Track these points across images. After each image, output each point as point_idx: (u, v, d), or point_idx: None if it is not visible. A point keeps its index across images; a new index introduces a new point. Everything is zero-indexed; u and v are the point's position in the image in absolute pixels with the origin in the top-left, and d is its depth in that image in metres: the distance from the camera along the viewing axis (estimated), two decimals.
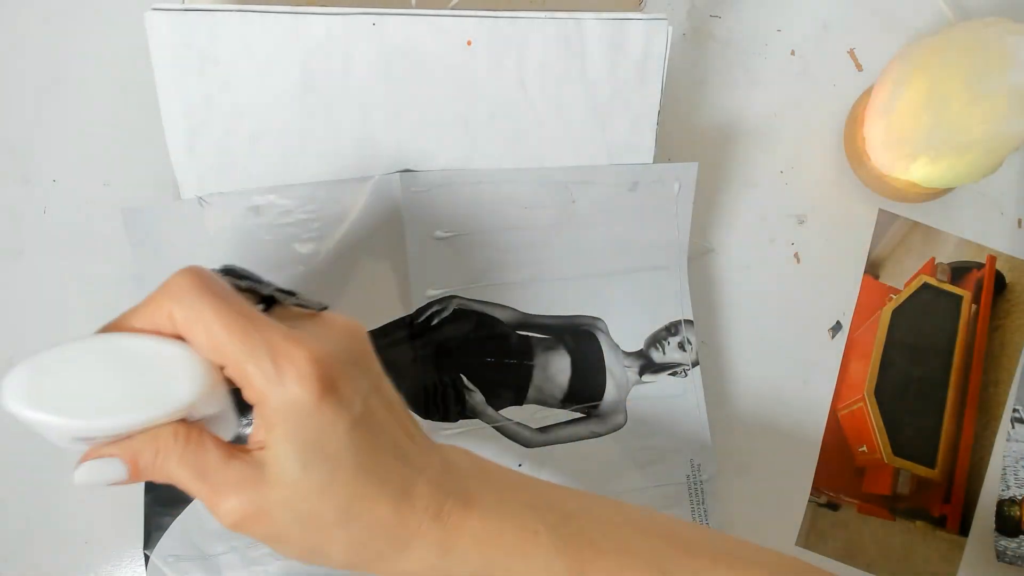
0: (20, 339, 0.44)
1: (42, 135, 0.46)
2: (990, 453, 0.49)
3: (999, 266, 0.51)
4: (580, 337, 0.45)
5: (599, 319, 0.45)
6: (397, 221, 0.41)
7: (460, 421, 0.42)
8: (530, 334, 0.44)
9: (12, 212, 0.45)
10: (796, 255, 0.49)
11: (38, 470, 0.44)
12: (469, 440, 0.43)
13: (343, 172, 0.41)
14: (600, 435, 0.44)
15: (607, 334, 0.45)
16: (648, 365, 0.45)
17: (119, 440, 0.26)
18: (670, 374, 0.45)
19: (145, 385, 0.26)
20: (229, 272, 0.29)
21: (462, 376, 0.43)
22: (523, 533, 0.29)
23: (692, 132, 0.49)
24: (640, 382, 0.45)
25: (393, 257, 0.42)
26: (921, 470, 0.48)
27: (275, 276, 0.42)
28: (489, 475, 0.31)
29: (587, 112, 0.42)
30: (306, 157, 0.41)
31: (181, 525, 0.41)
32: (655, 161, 0.44)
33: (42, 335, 0.45)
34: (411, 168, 0.42)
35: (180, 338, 0.27)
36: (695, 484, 0.45)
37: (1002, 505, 0.48)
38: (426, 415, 0.42)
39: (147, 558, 0.40)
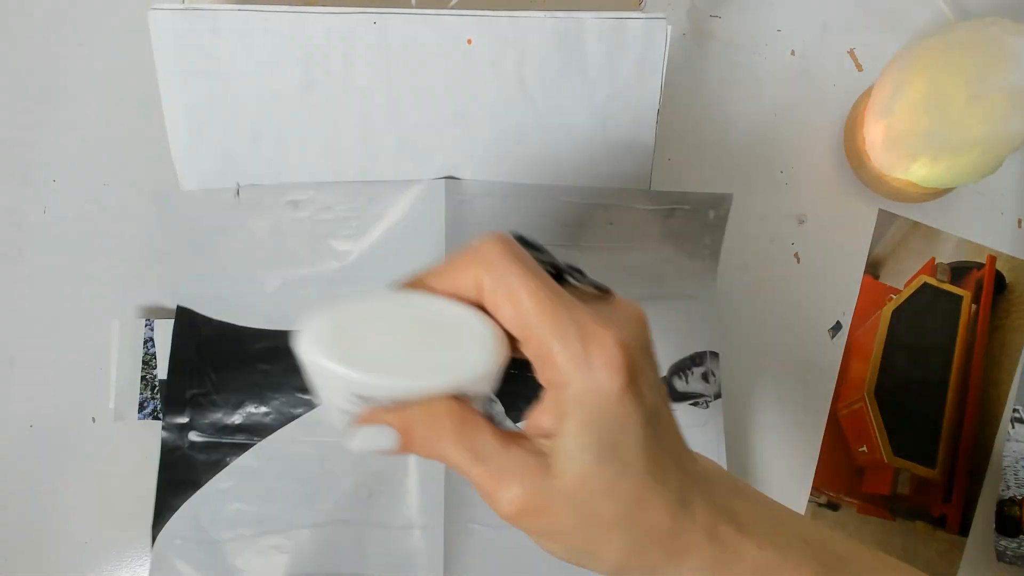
0: (20, 339, 0.44)
1: (42, 135, 0.46)
2: (990, 453, 0.49)
3: (999, 266, 0.51)
4: None
5: None
6: (438, 227, 0.41)
7: None
8: None
9: (12, 212, 0.45)
10: (796, 255, 0.49)
11: (38, 470, 0.44)
12: None
13: (343, 171, 0.42)
14: None
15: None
16: (670, 393, 0.45)
17: (394, 408, 0.26)
18: (691, 404, 0.45)
19: (439, 350, 0.25)
20: (523, 241, 0.27)
21: None
22: (799, 571, 0.26)
23: (692, 132, 0.49)
24: None
25: (429, 262, 0.42)
26: (921, 470, 0.48)
27: (308, 270, 0.42)
28: (748, 496, 0.29)
29: (587, 111, 0.42)
30: (307, 156, 0.41)
31: (191, 508, 0.41)
32: (654, 161, 0.44)
33: (42, 335, 0.45)
34: (455, 175, 0.42)
35: (479, 306, 0.25)
36: None
37: (1002, 505, 0.48)
38: None
39: (154, 538, 0.41)
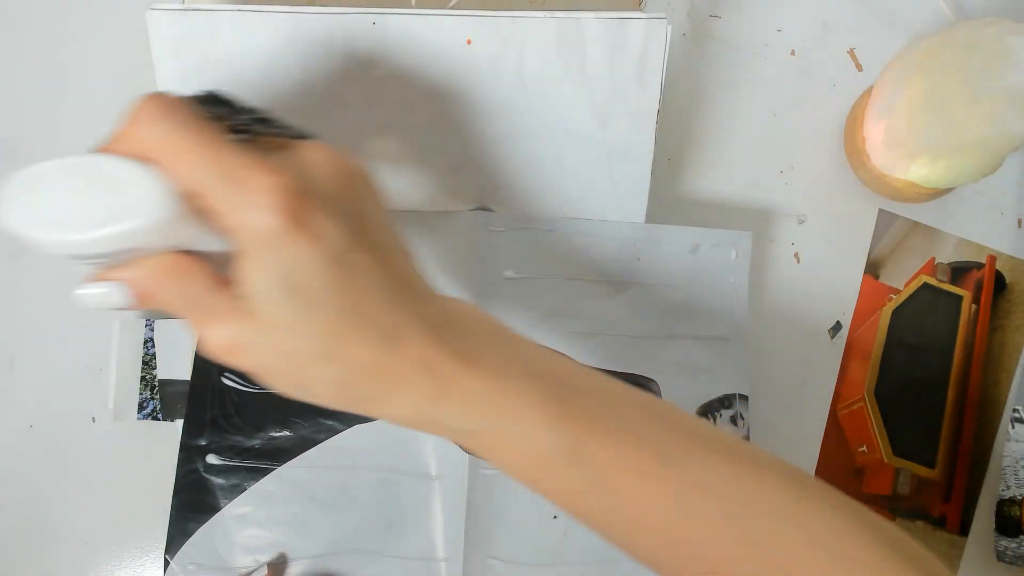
0: (20, 339, 0.44)
1: (42, 135, 0.46)
2: (990, 453, 0.49)
3: (999, 266, 0.51)
4: None
5: (653, 380, 0.45)
6: (473, 258, 0.42)
7: None
8: None
9: None
10: (796, 255, 0.49)
11: (38, 470, 0.44)
12: (509, 486, 0.42)
13: None
14: None
15: (659, 397, 0.44)
16: None
17: (124, 266, 0.27)
18: None
19: (115, 202, 0.26)
20: (211, 98, 0.29)
21: None
22: (520, 399, 0.28)
23: (692, 132, 0.49)
24: None
25: (462, 292, 0.42)
26: (921, 470, 0.48)
27: None
28: (496, 336, 0.30)
29: (587, 112, 0.42)
30: None
31: (206, 533, 0.41)
32: (654, 163, 0.44)
33: (42, 335, 0.45)
34: (489, 207, 0.43)
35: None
36: None
37: (1002, 505, 0.48)
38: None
39: (167, 563, 0.40)
